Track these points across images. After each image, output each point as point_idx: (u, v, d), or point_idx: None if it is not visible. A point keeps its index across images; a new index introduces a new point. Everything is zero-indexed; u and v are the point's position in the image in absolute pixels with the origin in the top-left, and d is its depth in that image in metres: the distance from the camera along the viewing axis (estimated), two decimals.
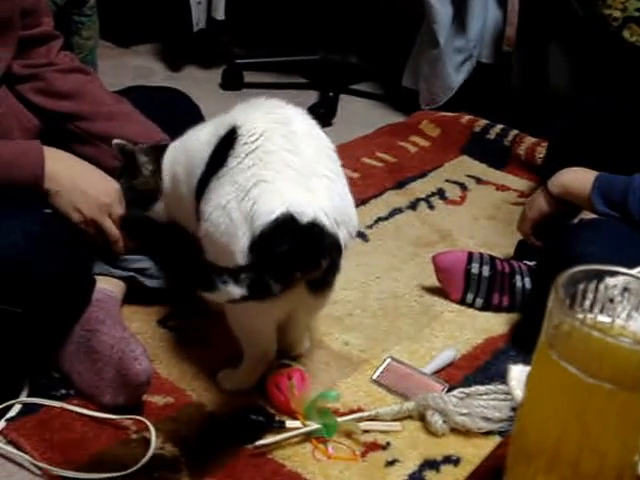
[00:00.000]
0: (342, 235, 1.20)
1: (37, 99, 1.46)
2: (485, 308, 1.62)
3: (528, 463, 0.61)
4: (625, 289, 0.62)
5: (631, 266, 0.67)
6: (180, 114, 1.59)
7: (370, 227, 1.89)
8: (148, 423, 1.24)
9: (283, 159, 1.20)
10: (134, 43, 2.94)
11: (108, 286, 1.40)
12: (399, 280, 1.70)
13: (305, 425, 1.26)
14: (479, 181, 2.16)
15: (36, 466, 1.18)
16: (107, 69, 2.35)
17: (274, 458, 1.22)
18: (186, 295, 1.55)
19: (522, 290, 1.60)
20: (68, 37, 2.07)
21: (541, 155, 2.10)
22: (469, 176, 2.18)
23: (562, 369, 0.56)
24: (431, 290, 1.67)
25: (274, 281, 1.11)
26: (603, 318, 0.62)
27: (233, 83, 2.70)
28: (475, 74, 2.53)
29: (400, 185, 2.11)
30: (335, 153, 1.28)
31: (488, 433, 1.29)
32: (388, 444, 1.27)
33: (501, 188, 2.14)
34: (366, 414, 1.30)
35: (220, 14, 2.63)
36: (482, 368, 1.46)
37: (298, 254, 1.14)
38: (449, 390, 1.36)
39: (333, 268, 1.20)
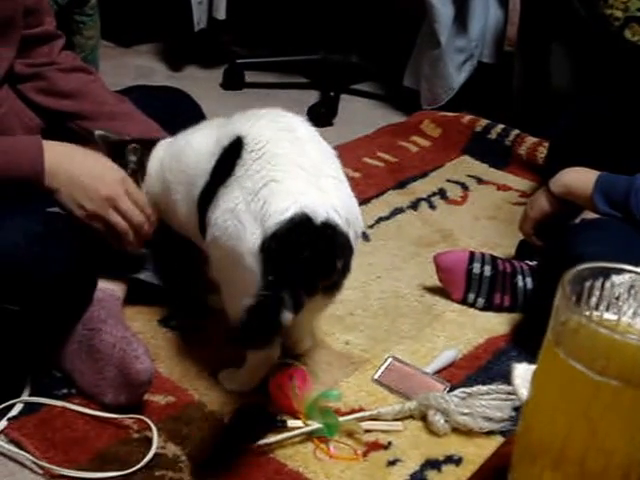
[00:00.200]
0: (351, 235, 1.20)
1: (39, 98, 1.46)
2: (486, 308, 1.62)
3: (534, 461, 0.61)
4: (631, 287, 0.63)
5: (633, 266, 0.67)
6: (182, 114, 1.59)
7: (371, 227, 1.89)
8: (150, 422, 1.24)
9: (291, 160, 1.20)
10: (135, 43, 2.94)
11: (110, 285, 1.39)
12: (400, 280, 1.70)
13: (307, 424, 1.26)
14: (480, 181, 2.16)
15: (38, 465, 1.17)
16: (108, 69, 2.35)
17: (276, 457, 1.22)
18: (187, 295, 1.56)
19: (524, 290, 1.60)
20: (69, 37, 2.07)
21: (542, 155, 2.10)
22: (470, 176, 2.18)
23: (569, 366, 0.56)
24: (432, 290, 1.67)
25: (304, 292, 1.12)
26: (609, 316, 0.62)
27: (234, 83, 2.70)
28: (476, 74, 2.54)
29: (401, 185, 2.11)
30: (337, 159, 1.28)
31: (490, 433, 1.29)
32: (390, 444, 1.27)
33: (502, 188, 2.14)
34: (368, 414, 1.30)
35: (221, 14, 2.63)
36: (483, 368, 1.46)
37: (318, 259, 1.14)
38: (450, 390, 1.36)
39: (345, 269, 1.20)
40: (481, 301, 1.62)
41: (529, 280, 1.60)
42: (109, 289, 1.39)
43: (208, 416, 1.29)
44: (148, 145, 1.41)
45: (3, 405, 1.25)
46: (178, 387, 1.34)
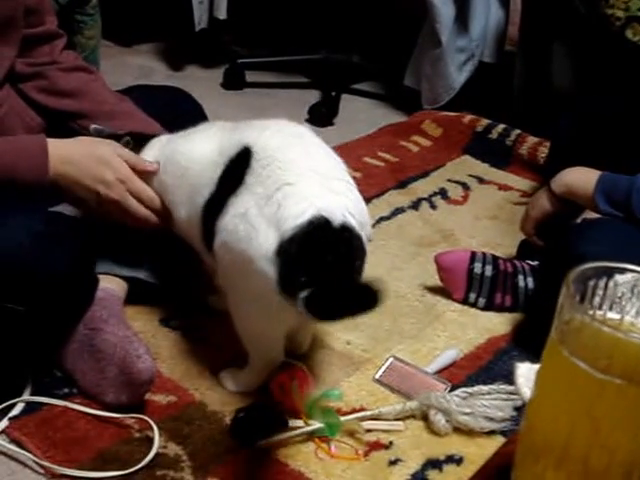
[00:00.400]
0: (364, 237, 1.19)
1: (40, 97, 1.46)
2: (487, 308, 1.62)
3: (537, 460, 0.61)
4: (634, 286, 0.63)
5: (635, 265, 0.67)
6: (183, 113, 1.59)
7: (372, 227, 1.88)
8: (151, 422, 1.24)
9: (303, 165, 1.20)
10: (136, 42, 2.94)
11: (111, 285, 1.39)
12: (401, 280, 1.70)
13: (308, 424, 1.26)
14: (481, 181, 2.17)
15: (39, 464, 1.17)
16: (109, 68, 2.35)
17: (277, 457, 1.22)
18: (188, 295, 1.56)
19: (525, 290, 1.60)
20: (70, 36, 2.06)
21: (543, 155, 2.11)
22: (471, 176, 2.18)
23: (572, 365, 0.56)
24: (433, 290, 1.67)
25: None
26: (612, 315, 0.63)
27: (235, 82, 2.70)
28: (477, 74, 2.54)
29: (402, 185, 2.11)
30: (343, 164, 1.27)
31: (491, 433, 1.29)
32: (391, 443, 1.27)
33: (503, 188, 2.14)
34: (369, 413, 1.30)
35: (222, 13, 2.63)
36: (485, 368, 1.46)
37: (337, 262, 1.13)
38: (452, 390, 1.36)
39: (360, 271, 1.20)
40: (482, 301, 1.62)
41: (530, 280, 1.60)
42: (110, 289, 1.38)
43: (209, 416, 1.29)
44: (141, 139, 1.40)
45: (4, 404, 1.25)
46: (179, 387, 1.34)
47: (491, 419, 1.29)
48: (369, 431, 1.28)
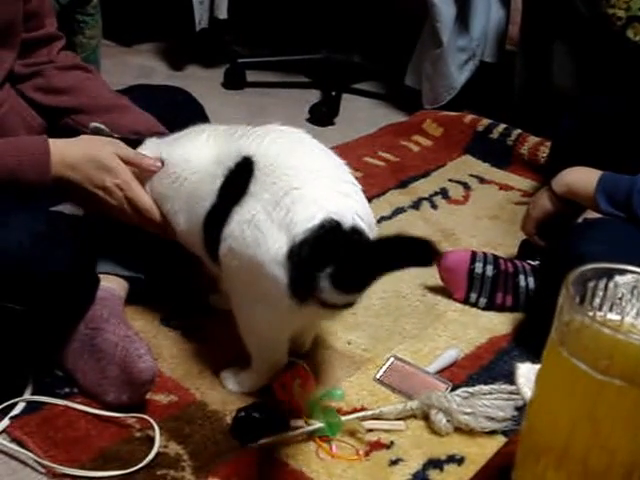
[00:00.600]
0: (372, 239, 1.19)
1: (36, 96, 1.46)
2: (488, 308, 1.62)
3: (537, 460, 0.61)
4: (634, 287, 0.63)
5: (635, 266, 0.67)
6: (183, 113, 1.59)
7: None
8: (152, 421, 1.24)
9: (308, 169, 1.20)
10: (136, 42, 2.94)
11: (112, 285, 1.39)
12: (402, 279, 1.70)
13: (309, 424, 1.26)
14: (482, 180, 2.17)
15: (40, 464, 1.17)
16: (109, 68, 2.35)
17: (278, 456, 1.22)
18: (189, 294, 1.56)
19: (526, 290, 1.60)
20: (71, 36, 2.08)
21: (544, 154, 2.10)
22: (472, 175, 2.18)
23: (572, 366, 0.56)
24: (434, 289, 1.67)
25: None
26: (612, 316, 0.63)
27: (235, 82, 2.70)
28: (478, 73, 2.54)
29: (403, 184, 2.11)
30: (346, 166, 1.27)
31: (492, 432, 1.29)
32: (392, 443, 1.27)
33: (504, 187, 2.14)
34: (370, 413, 1.30)
35: (223, 13, 2.63)
36: (486, 368, 1.46)
37: (350, 265, 1.13)
38: (453, 389, 1.36)
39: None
40: (483, 301, 1.62)
41: (531, 280, 1.60)
42: (111, 288, 1.39)
43: (210, 415, 1.29)
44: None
45: (5, 404, 1.25)
46: (180, 386, 1.34)
47: (492, 419, 1.29)
48: (370, 431, 1.28)
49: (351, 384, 1.39)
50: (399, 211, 1.98)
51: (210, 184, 1.25)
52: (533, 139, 2.21)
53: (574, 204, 1.50)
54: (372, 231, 1.20)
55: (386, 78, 2.77)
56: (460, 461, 1.25)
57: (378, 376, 1.41)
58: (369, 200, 1.93)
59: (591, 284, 0.61)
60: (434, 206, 2.02)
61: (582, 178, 1.48)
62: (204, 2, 2.61)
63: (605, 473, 0.58)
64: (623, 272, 0.62)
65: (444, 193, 2.08)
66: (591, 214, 1.48)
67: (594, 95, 1.76)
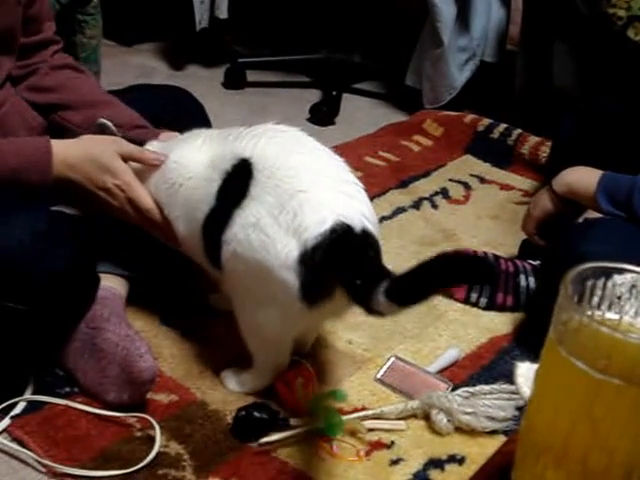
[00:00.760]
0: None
1: (27, 94, 1.46)
2: (489, 307, 1.62)
3: (536, 459, 0.61)
4: (633, 286, 0.63)
5: (636, 265, 0.67)
6: (184, 113, 1.59)
7: None
8: (152, 421, 1.24)
9: (310, 170, 1.19)
10: (137, 42, 2.94)
11: (112, 284, 1.40)
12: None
13: (309, 423, 1.26)
14: (483, 180, 2.17)
15: (40, 463, 1.18)
16: (110, 68, 2.36)
17: (278, 456, 1.22)
18: (189, 294, 1.56)
19: (526, 289, 1.60)
20: (72, 36, 2.08)
21: (545, 154, 2.11)
22: (473, 175, 2.18)
23: (571, 365, 0.56)
24: None
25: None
26: (611, 315, 0.63)
27: (236, 82, 2.70)
28: (478, 73, 2.54)
29: (403, 184, 2.11)
30: (345, 165, 1.27)
31: (493, 432, 1.29)
32: (392, 443, 1.27)
33: (505, 187, 2.14)
34: (370, 413, 1.30)
35: (223, 13, 2.63)
36: (486, 367, 1.46)
37: (364, 267, 1.13)
38: (453, 389, 1.36)
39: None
40: (484, 300, 1.62)
41: (532, 280, 1.60)
42: (112, 288, 1.39)
43: (211, 415, 1.29)
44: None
45: (6, 403, 1.25)
46: (181, 386, 1.34)
47: (493, 419, 1.29)
48: (371, 430, 1.28)
49: (352, 384, 1.39)
50: (400, 211, 1.98)
51: (207, 188, 1.25)
52: (534, 139, 2.21)
53: (575, 204, 1.50)
54: (377, 231, 1.20)
55: (386, 78, 2.77)
56: (461, 461, 1.25)
57: (379, 376, 1.41)
58: (370, 200, 1.96)
59: (589, 283, 0.61)
60: (435, 206, 2.02)
61: (583, 178, 1.48)
62: (204, 2, 2.62)
63: (604, 473, 0.58)
64: (622, 271, 0.62)
65: (445, 193, 2.08)
66: (592, 214, 1.48)
67: (595, 95, 1.76)
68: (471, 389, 1.32)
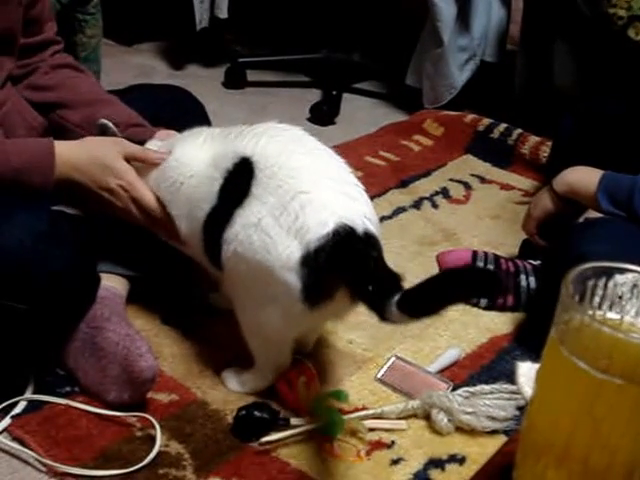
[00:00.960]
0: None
1: (25, 93, 1.46)
2: (489, 307, 1.62)
3: (538, 459, 0.61)
4: (634, 286, 0.63)
5: (637, 265, 0.67)
6: (184, 112, 1.59)
7: None
8: (153, 420, 1.24)
9: (312, 171, 1.19)
10: (137, 41, 2.94)
11: (113, 284, 1.40)
12: (403, 279, 1.70)
13: (310, 423, 1.26)
14: (483, 180, 2.17)
15: (41, 463, 1.18)
16: (110, 67, 2.36)
17: (279, 456, 1.22)
18: (189, 293, 1.56)
19: (527, 289, 1.60)
20: (72, 35, 2.08)
21: (545, 154, 2.11)
22: (473, 175, 2.18)
23: (572, 365, 0.56)
24: None
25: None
26: (612, 315, 0.63)
27: (236, 82, 2.70)
28: (479, 73, 2.54)
29: (404, 184, 2.11)
30: (346, 165, 1.26)
31: (493, 432, 1.29)
32: (393, 443, 1.27)
33: (505, 187, 2.14)
34: (371, 412, 1.30)
35: (223, 13, 2.63)
36: (487, 367, 1.46)
37: (367, 269, 1.14)
38: (454, 389, 1.36)
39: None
40: (484, 301, 1.61)
41: (532, 279, 1.60)
42: (112, 287, 1.39)
43: (211, 414, 1.29)
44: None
45: (6, 403, 1.25)
46: (181, 385, 1.34)
47: (493, 418, 1.29)
48: (371, 430, 1.28)
49: (352, 383, 1.39)
50: (400, 210, 1.98)
51: (208, 186, 1.25)
52: (534, 139, 2.21)
53: (575, 204, 1.50)
54: (378, 232, 1.20)
55: (387, 77, 2.77)
56: (461, 461, 1.25)
57: (379, 375, 1.41)
58: (370, 200, 1.96)
59: (591, 283, 0.61)
60: (435, 206, 2.02)
61: (583, 177, 1.48)
62: (204, 1, 2.62)
63: (606, 472, 0.58)
64: (623, 271, 0.62)
65: (445, 193, 2.08)
66: (592, 214, 1.48)
67: (595, 95, 1.76)
68: (471, 389, 1.32)
